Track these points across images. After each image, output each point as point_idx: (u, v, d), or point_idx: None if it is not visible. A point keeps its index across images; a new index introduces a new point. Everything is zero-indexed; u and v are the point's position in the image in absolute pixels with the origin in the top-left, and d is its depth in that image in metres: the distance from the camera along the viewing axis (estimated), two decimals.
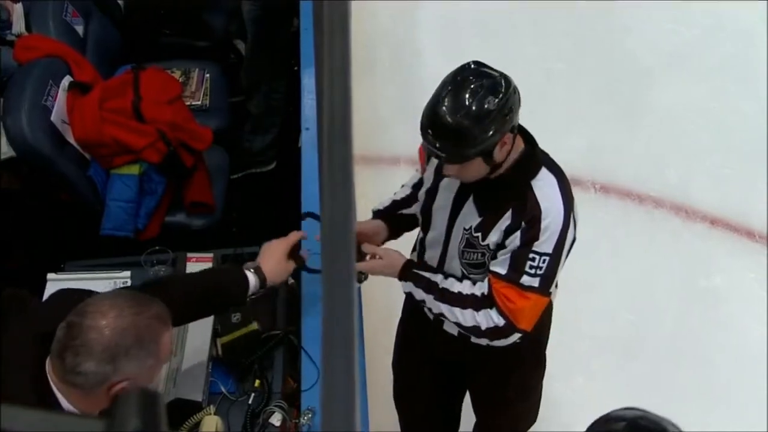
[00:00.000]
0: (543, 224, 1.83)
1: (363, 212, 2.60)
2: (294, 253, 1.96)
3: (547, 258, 1.85)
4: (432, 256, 2.02)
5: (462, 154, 1.76)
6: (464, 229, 1.92)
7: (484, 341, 1.96)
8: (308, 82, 2.53)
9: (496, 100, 1.74)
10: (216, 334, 2.04)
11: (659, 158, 3.44)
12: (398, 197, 2.15)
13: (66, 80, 2.49)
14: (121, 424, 0.73)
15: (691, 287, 3.04)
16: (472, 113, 1.73)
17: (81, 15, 2.85)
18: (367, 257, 2.03)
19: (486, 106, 1.73)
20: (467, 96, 1.74)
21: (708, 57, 3.81)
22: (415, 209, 2.09)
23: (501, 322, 1.90)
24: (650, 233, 3.21)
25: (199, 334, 2.03)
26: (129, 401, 0.75)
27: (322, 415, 0.69)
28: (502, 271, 1.88)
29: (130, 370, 1.45)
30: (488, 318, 1.91)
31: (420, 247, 2.08)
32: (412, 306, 2.17)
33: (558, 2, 3.97)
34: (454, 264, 1.98)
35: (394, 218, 2.13)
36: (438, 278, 1.98)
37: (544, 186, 1.85)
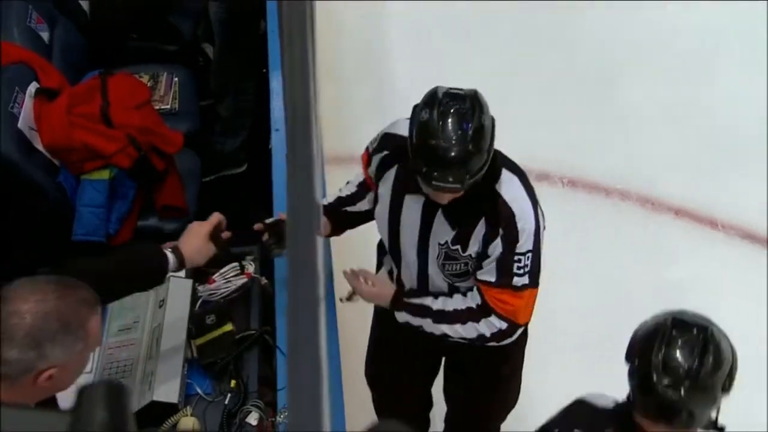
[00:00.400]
0: (519, 226, 1.86)
1: None
2: (216, 235, 1.91)
3: (530, 254, 1.89)
4: (409, 273, 2.03)
5: (473, 179, 1.75)
6: (439, 244, 1.92)
7: (492, 344, 1.99)
8: (276, 84, 2.52)
9: (483, 115, 1.75)
10: (190, 336, 2.03)
11: (625, 152, 3.47)
12: (343, 194, 2.13)
13: (33, 87, 2.45)
14: (88, 417, 0.72)
15: (659, 278, 3.07)
16: (473, 136, 1.72)
17: (46, 21, 2.80)
18: (361, 278, 2.05)
19: (481, 123, 1.74)
20: (459, 122, 1.72)
21: (671, 54, 3.86)
22: (360, 207, 2.10)
23: (503, 325, 1.95)
24: (617, 225, 3.24)
25: (173, 336, 2.01)
26: (94, 394, 0.74)
27: (288, 410, 0.68)
28: (492, 278, 1.91)
29: (57, 357, 1.39)
30: (490, 325, 1.95)
31: (393, 265, 2.07)
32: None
33: (525, 1, 4.00)
34: (436, 278, 1.99)
35: (338, 215, 2.11)
36: (429, 301, 1.99)
37: (509, 187, 1.87)
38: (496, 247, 1.88)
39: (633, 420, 1.55)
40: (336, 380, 1.95)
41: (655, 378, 1.46)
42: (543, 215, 1.93)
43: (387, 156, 1.97)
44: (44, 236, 2.37)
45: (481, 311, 1.94)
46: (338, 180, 3.10)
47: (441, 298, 1.99)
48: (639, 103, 3.62)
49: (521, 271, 1.90)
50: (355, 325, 2.49)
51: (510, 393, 2.32)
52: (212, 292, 2.13)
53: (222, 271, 2.14)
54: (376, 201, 2.03)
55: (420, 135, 1.74)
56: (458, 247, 1.91)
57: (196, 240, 1.87)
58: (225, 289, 2.13)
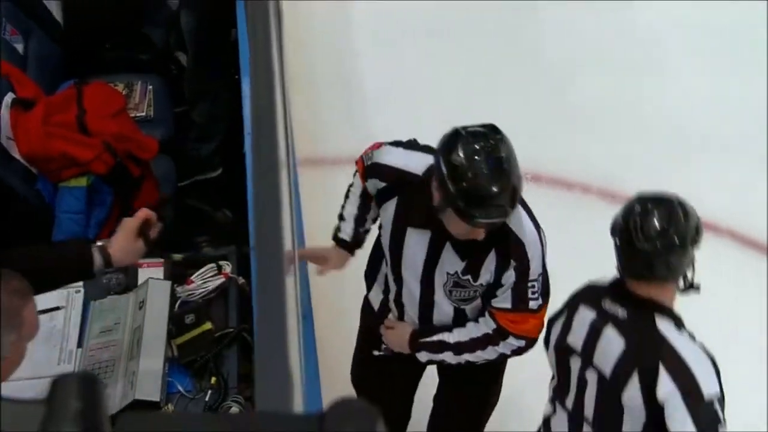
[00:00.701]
0: (529, 255, 1.90)
1: (311, 213, 2.63)
2: (145, 232, 1.83)
3: (541, 276, 1.94)
4: (411, 298, 2.04)
5: (514, 208, 1.79)
6: (448, 273, 1.94)
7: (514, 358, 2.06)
8: (247, 89, 2.54)
9: (508, 146, 1.77)
10: (171, 336, 2.05)
11: (585, 147, 3.54)
12: (355, 215, 2.13)
13: (8, 97, 2.45)
14: (62, 407, 0.73)
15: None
16: (508, 170, 1.74)
17: (20, 33, 2.80)
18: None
19: (510, 154, 1.76)
20: (492, 158, 1.73)
21: (626, 53, 3.94)
22: (370, 223, 2.13)
23: (522, 343, 2.00)
24: (578, 218, 3.30)
25: (153, 336, 2.03)
26: (68, 385, 0.74)
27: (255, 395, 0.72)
28: (508, 305, 1.95)
29: None
30: (509, 345, 1.99)
31: (394, 285, 2.08)
32: (379, 306, 2.19)
33: (490, 1, 4.06)
34: (442, 303, 2.01)
35: (358, 245, 2.16)
36: (445, 336, 2.02)
37: (515, 217, 1.88)
38: (510, 277, 1.91)
39: (625, 287, 1.81)
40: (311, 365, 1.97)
41: (635, 241, 1.74)
42: (544, 233, 1.96)
43: (386, 188, 1.97)
44: (25, 243, 2.37)
45: (499, 335, 1.98)
46: (311, 182, 3.14)
47: (455, 330, 2.01)
48: (597, 101, 3.69)
49: (536, 295, 1.94)
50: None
51: (494, 395, 2.34)
52: (191, 292, 2.14)
53: (200, 272, 2.16)
54: (370, 198, 2.06)
55: (457, 179, 1.73)
56: (468, 276, 1.93)
57: (122, 238, 1.81)
58: (203, 290, 2.15)
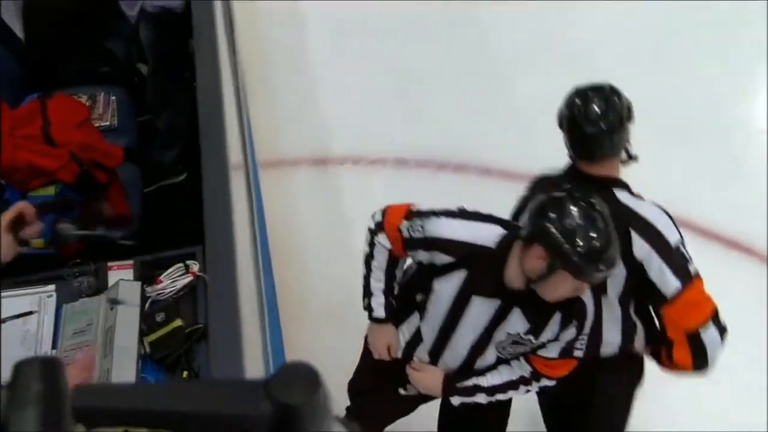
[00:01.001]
0: (587, 313, 1.93)
1: (275, 213, 2.68)
2: (16, 229, 1.67)
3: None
4: (453, 355, 2.03)
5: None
6: (509, 333, 1.95)
7: None
8: None
9: (603, 210, 1.81)
10: (143, 334, 2.09)
11: (522, 141, 3.66)
12: (383, 289, 2.07)
13: None
14: (23, 389, 0.72)
15: None
16: (608, 226, 1.77)
17: None
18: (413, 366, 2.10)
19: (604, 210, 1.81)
20: (601, 220, 1.77)
21: (561, 51, 4.06)
22: (396, 289, 2.09)
23: (552, 382, 2.04)
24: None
25: (126, 335, 2.06)
26: (29, 367, 0.74)
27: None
28: (554, 355, 1.98)
29: None
30: (541, 384, 2.04)
31: (434, 342, 2.05)
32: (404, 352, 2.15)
33: (436, 1, 4.15)
34: (489, 356, 2.02)
35: (393, 313, 2.11)
36: (480, 381, 2.03)
37: None
38: (570, 335, 1.93)
39: (580, 171, 2.02)
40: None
41: (582, 126, 1.97)
42: None
43: (453, 262, 1.91)
44: None
45: (533, 377, 2.01)
46: (271, 184, 3.19)
47: (489, 374, 2.02)
48: (533, 98, 3.79)
49: (581, 347, 1.97)
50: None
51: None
52: (160, 291, 2.18)
53: (168, 271, 2.20)
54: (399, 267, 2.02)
55: (575, 242, 1.73)
56: (530, 336, 1.94)
57: None
58: (172, 288, 2.19)
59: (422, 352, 2.09)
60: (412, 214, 1.97)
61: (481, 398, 2.04)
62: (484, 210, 1.96)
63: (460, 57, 4.10)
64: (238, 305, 0.81)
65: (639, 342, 2.14)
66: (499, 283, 1.87)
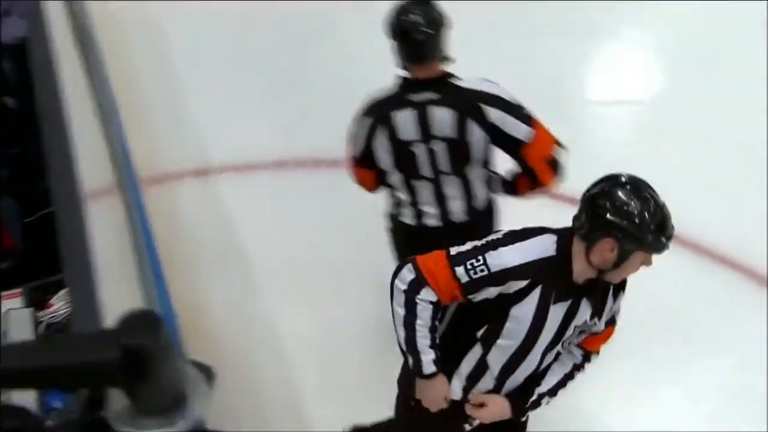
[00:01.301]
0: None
1: (162, 228, 2.68)
2: None
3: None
4: (527, 367, 2.01)
5: None
6: (576, 326, 1.97)
7: None
8: None
9: (640, 180, 1.85)
10: None
11: None
12: (429, 344, 1.96)
13: None
14: None
15: None
16: (654, 192, 1.82)
17: None
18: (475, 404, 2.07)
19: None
20: (644, 184, 1.81)
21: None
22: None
23: (598, 356, 2.15)
24: None
25: None
26: None
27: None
28: (602, 328, 2.04)
29: None
30: (591, 363, 2.14)
31: (502, 373, 2.03)
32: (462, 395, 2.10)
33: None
34: (549, 354, 2.03)
35: (441, 364, 2.02)
36: (541, 389, 2.08)
37: None
38: (619, 306, 2.03)
39: (412, 80, 2.40)
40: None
41: (411, 34, 2.34)
42: None
43: (528, 285, 1.88)
44: None
45: (585, 359, 2.11)
46: (156, 198, 3.19)
47: (546, 379, 2.07)
48: None
49: (618, 309, 2.06)
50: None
51: None
52: (53, 314, 2.19)
53: (58, 294, 2.22)
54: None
55: (643, 221, 1.76)
56: (595, 319, 1.99)
57: None
58: (66, 310, 2.20)
59: (487, 381, 2.05)
60: (458, 258, 1.89)
61: (546, 401, 2.09)
62: (517, 227, 1.95)
63: (327, 55, 4.21)
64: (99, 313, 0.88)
65: (497, 186, 2.57)
66: (570, 284, 1.90)
